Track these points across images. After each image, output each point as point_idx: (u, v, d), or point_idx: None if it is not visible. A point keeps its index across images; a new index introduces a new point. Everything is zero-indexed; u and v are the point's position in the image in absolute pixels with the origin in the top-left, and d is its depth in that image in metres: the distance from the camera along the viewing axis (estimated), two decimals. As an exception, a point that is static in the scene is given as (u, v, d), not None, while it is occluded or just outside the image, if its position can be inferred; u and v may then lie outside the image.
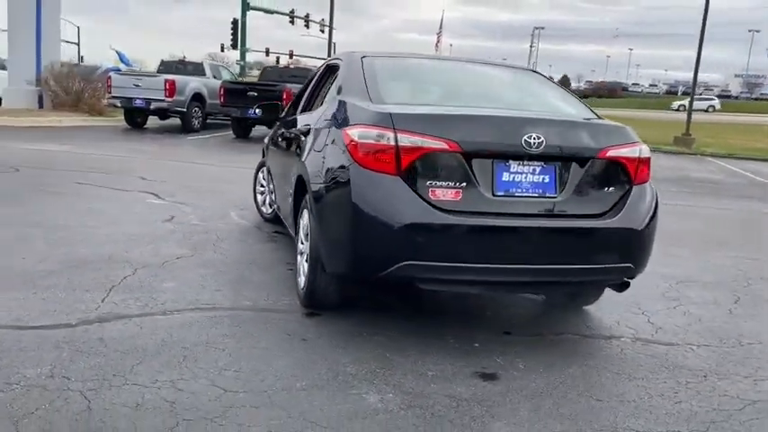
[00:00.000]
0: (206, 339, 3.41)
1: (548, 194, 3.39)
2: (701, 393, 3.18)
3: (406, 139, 3.22)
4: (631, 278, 3.69)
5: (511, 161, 3.34)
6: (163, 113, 16.66)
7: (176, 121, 17.05)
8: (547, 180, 3.40)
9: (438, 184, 3.25)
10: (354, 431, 2.61)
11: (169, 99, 15.96)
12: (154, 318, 3.68)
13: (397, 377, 3.12)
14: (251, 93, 15.43)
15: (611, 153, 3.49)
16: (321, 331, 3.69)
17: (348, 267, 3.39)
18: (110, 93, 16.41)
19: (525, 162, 3.36)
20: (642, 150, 3.61)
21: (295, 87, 15.42)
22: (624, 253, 3.51)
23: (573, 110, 3.96)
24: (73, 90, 17.91)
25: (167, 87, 15.88)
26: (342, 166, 3.40)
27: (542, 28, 67.83)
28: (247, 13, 37.00)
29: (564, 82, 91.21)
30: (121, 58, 22.20)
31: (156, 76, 16.63)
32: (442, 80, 4.33)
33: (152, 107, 16.07)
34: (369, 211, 3.22)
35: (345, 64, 4.27)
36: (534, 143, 3.30)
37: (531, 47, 66.14)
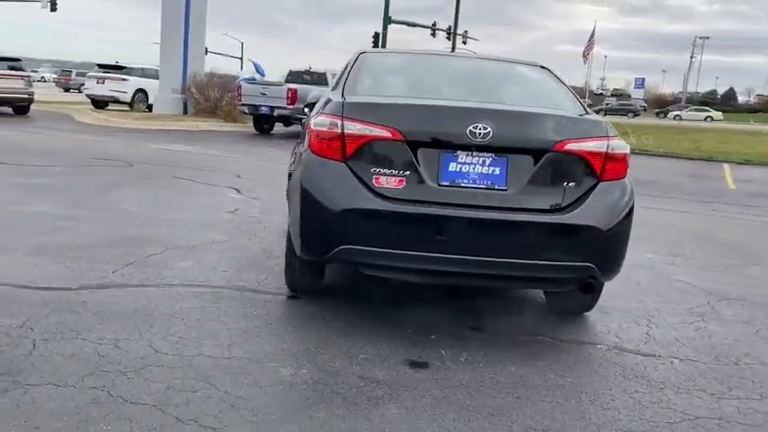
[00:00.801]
0: (175, 310, 3.69)
1: (497, 186, 3.32)
2: (641, 403, 2.97)
3: (351, 127, 3.31)
4: (596, 280, 3.50)
5: (459, 151, 3.32)
6: (286, 120, 17.65)
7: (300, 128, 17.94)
8: (497, 172, 3.33)
9: (382, 171, 3.30)
10: (245, 395, 2.74)
11: (290, 106, 16.88)
12: (146, 289, 4.03)
13: (326, 357, 3.21)
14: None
15: (570, 147, 3.35)
16: (288, 312, 3.86)
17: (301, 249, 3.53)
18: (240, 100, 17.64)
19: (474, 153, 3.32)
20: (612, 146, 3.42)
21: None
22: (582, 252, 3.35)
23: (560, 106, 3.82)
24: (212, 98, 19.45)
25: (289, 96, 16.82)
26: (302, 154, 3.56)
27: (707, 38, 63.16)
28: (389, 26, 37.92)
29: (729, 95, 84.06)
30: (257, 68, 23.85)
31: (280, 85, 17.68)
32: (427, 75, 4.34)
33: (275, 114, 17.11)
34: (315, 195, 3.35)
35: (348, 61, 4.42)
36: (480, 134, 3.26)
37: (691, 58, 61.88)
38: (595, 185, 3.39)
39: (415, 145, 3.30)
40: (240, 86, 17.97)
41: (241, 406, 2.65)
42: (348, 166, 3.32)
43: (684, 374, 3.35)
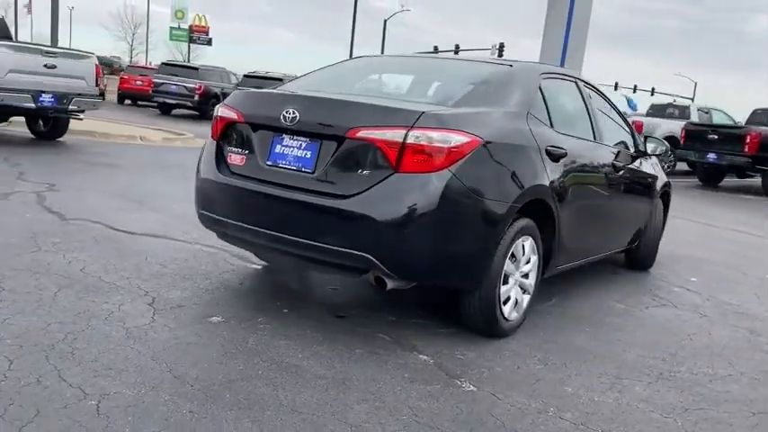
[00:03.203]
0: (155, 254, 4.73)
1: (304, 169, 3.46)
2: (323, 400, 2.85)
3: (220, 111, 3.89)
4: (385, 274, 3.29)
5: (284, 135, 3.57)
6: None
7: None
8: (308, 155, 3.47)
9: (233, 149, 3.79)
10: (63, 301, 3.63)
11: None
12: (171, 241, 5.17)
13: (165, 303, 3.81)
14: (711, 135, 14.68)
15: (363, 134, 3.26)
16: (223, 274, 4.50)
17: None
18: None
19: (294, 137, 3.53)
20: (415, 136, 3.18)
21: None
22: (359, 241, 3.23)
23: (445, 101, 3.68)
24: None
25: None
26: None
27: None
28: None
29: None
30: (630, 103, 22.55)
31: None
32: (365, 73, 4.46)
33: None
34: (198, 167, 4.01)
35: None
36: (288, 118, 3.47)
37: None
38: (389, 176, 3.23)
39: (254, 127, 3.70)
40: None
41: (44, 303, 3.57)
42: (218, 144, 3.90)
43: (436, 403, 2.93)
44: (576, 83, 4.74)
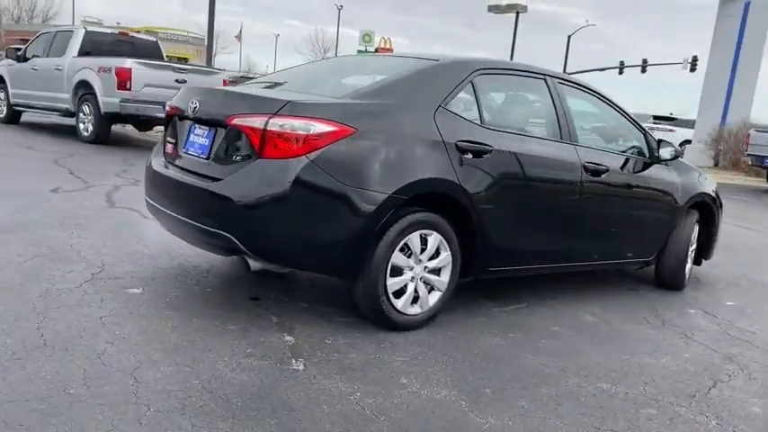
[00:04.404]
0: (149, 237, 5.25)
1: (202, 156, 3.72)
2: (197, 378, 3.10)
3: (166, 106, 4.31)
4: (245, 254, 3.43)
5: (195, 124, 3.87)
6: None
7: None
8: (206, 143, 3.73)
9: (168, 140, 4.17)
10: (21, 266, 4.25)
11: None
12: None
13: (111, 271, 4.31)
14: None
15: (236, 121, 3.46)
16: (189, 260, 4.89)
17: None
18: (746, 150, 15.84)
19: (200, 126, 3.82)
20: (276, 123, 3.31)
21: None
22: (220, 220, 3.42)
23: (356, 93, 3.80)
24: (731, 150, 17.84)
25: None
26: None
27: None
28: None
29: None
30: None
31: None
32: (310, 71, 4.55)
33: (774, 167, 14.80)
34: (149, 159, 4.44)
35: None
36: (191, 107, 3.77)
37: None
38: (253, 161, 3.40)
39: (180, 118, 4.04)
40: (749, 135, 15.98)
41: (7, 267, 4.20)
42: (164, 136, 4.31)
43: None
44: (545, 80, 4.50)
